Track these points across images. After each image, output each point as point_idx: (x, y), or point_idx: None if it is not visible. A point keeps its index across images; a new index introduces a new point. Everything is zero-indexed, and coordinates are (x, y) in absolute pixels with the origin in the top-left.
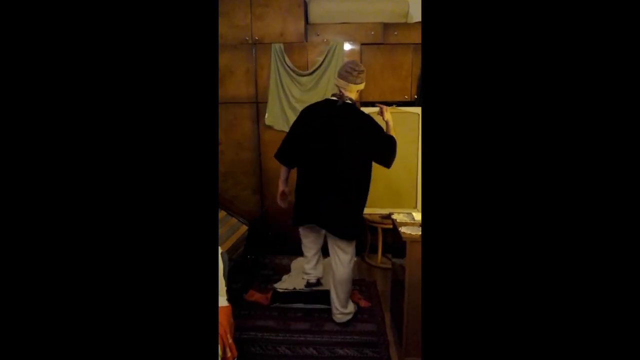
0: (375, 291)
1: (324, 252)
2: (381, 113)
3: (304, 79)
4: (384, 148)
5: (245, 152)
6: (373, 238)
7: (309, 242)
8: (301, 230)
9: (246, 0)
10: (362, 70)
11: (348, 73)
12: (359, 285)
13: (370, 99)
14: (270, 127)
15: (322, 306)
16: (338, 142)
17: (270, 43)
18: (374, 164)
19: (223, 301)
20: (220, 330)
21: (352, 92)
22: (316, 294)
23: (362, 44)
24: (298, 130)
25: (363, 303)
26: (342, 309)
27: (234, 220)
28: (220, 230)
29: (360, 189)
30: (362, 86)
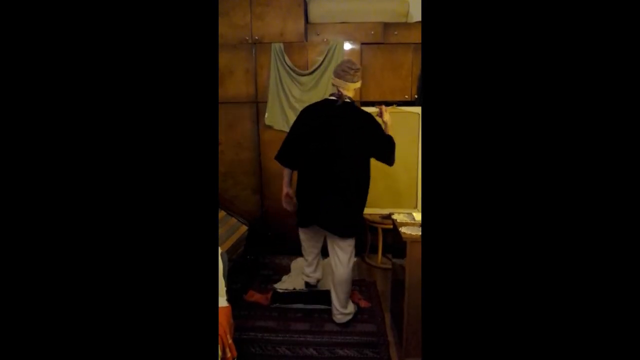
0: (375, 291)
1: (324, 252)
2: (381, 114)
3: (304, 79)
4: (385, 146)
5: (245, 152)
6: (373, 238)
7: (310, 247)
8: (302, 233)
9: (246, 0)
10: (359, 69)
11: (345, 72)
12: (359, 285)
13: (371, 99)
14: (270, 127)
15: (322, 306)
16: (338, 142)
17: (270, 43)
18: (374, 163)
19: (223, 301)
20: (220, 331)
21: (350, 91)
22: (316, 294)
23: (362, 44)
24: (298, 131)
25: (363, 303)
26: (342, 310)
27: (234, 220)
28: (220, 231)
29: (360, 189)
30: (359, 84)
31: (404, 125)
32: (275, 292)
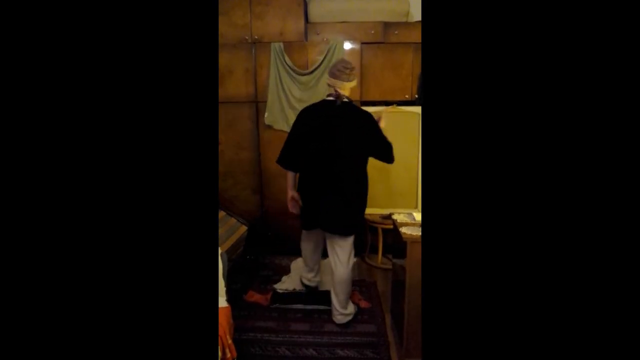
0: (375, 292)
1: (323, 253)
2: (378, 119)
3: (303, 78)
4: (385, 145)
5: (245, 151)
6: (373, 238)
7: (310, 252)
8: (304, 238)
9: None
10: (354, 67)
11: (340, 72)
12: (359, 285)
13: (371, 98)
14: (269, 127)
15: (322, 307)
16: (339, 142)
17: (270, 42)
18: (375, 163)
19: (222, 302)
20: (220, 331)
21: (346, 90)
22: (316, 294)
23: (363, 43)
24: (299, 132)
25: (363, 304)
26: (342, 310)
27: (234, 220)
28: (219, 231)
29: (360, 188)
30: (354, 83)
31: (404, 125)
32: (275, 292)
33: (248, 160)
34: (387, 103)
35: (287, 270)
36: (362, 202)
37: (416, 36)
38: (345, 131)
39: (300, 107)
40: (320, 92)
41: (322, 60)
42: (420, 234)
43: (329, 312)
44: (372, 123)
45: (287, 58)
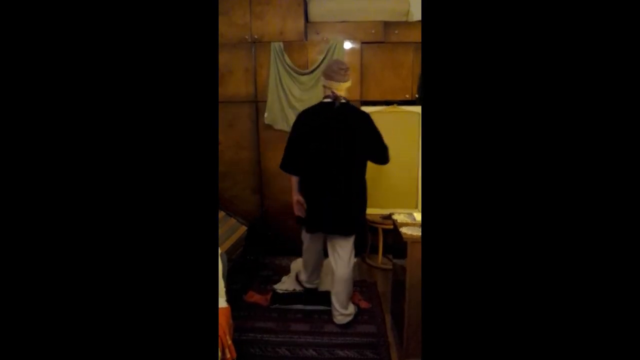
0: (375, 292)
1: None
2: None
3: (303, 78)
4: (382, 146)
5: (245, 151)
6: (374, 239)
7: (313, 259)
8: (307, 241)
9: None
10: (348, 67)
11: (335, 73)
12: (360, 286)
13: (371, 98)
14: (269, 127)
15: (322, 307)
16: (340, 144)
17: (270, 42)
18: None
19: (222, 302)
20: (220, 332)
21: (342, 91)
22: (316, 295)
23: (363, 43)
24: (299, 135)
25: (363, 304)
26: (342, 310)
27: (233, 220)
28: (219, 231)
29: (360, 188)
30: (350, 83)
31: (405, 125)
32: (274, 292)
33: (248, 160)
34: (387, 103)
35: (287, 271)
36: (362, 202)
37: (416, 36)
38: (345, 132)
39: (300, 106)
40: (320, 92)
41: (322, 60)
42: (420, 234)
43: (329, 313)
44: (370, 124)
45: (287, 58)
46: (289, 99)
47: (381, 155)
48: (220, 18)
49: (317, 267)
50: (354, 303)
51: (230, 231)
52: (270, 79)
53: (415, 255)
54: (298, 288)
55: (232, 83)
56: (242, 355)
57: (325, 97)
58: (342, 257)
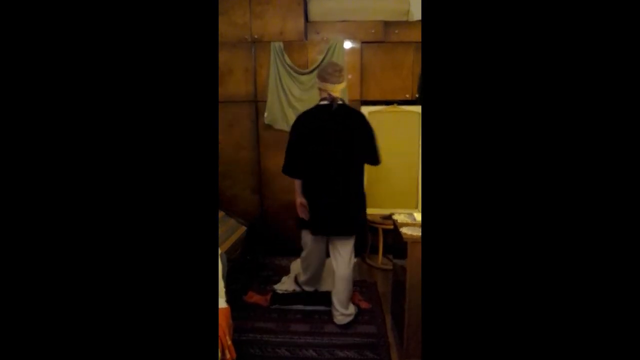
0: (376, 292)
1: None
2: None
3: (303, 78)
4: (374, 148)
5: (244, 151)
6: (374, 239)
7: (313, 259)
8: (310, 244)
9: None
10: (342, 68)
11: (330, 75)
12: (360, 286)
13: (371, 98)
14: (269, 126)
15: (322, 307)
16: (338, 146)
17: (270, 41)
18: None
19: (222, 302)
20: (219, 332)
21: (338, 92)
22: (316, 295)
23: (363, 42)
24: (298, 139)
25: (363, 304)
26: (343, 310)
27: (233, 220)
28: (219, 231)
29: (359, 188)
30: (345, 84)
31: (405, 124)
32: (274, 293)
33: (247, 159)
34: (387, 102)
35: (286, 271)
36: (362, 202)
37: (417, 35)
38: (343, 134)
39: (300, 106)
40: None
41: (322, 60)
42: (420, 234)
43: (329, 313)
44: (366, 125)
45: (287, 57)
46: (288, 98)
47: (375, 156)
48: (220, 18)
49: (318, 270)
50: (354, 303)
51: (230, 231)
52: (270, 78)
53: (415, 255)
54: (297, 289)
55: (232, 83)
56: (242, 355)
57: (322, 99)
58: (343, 256)
